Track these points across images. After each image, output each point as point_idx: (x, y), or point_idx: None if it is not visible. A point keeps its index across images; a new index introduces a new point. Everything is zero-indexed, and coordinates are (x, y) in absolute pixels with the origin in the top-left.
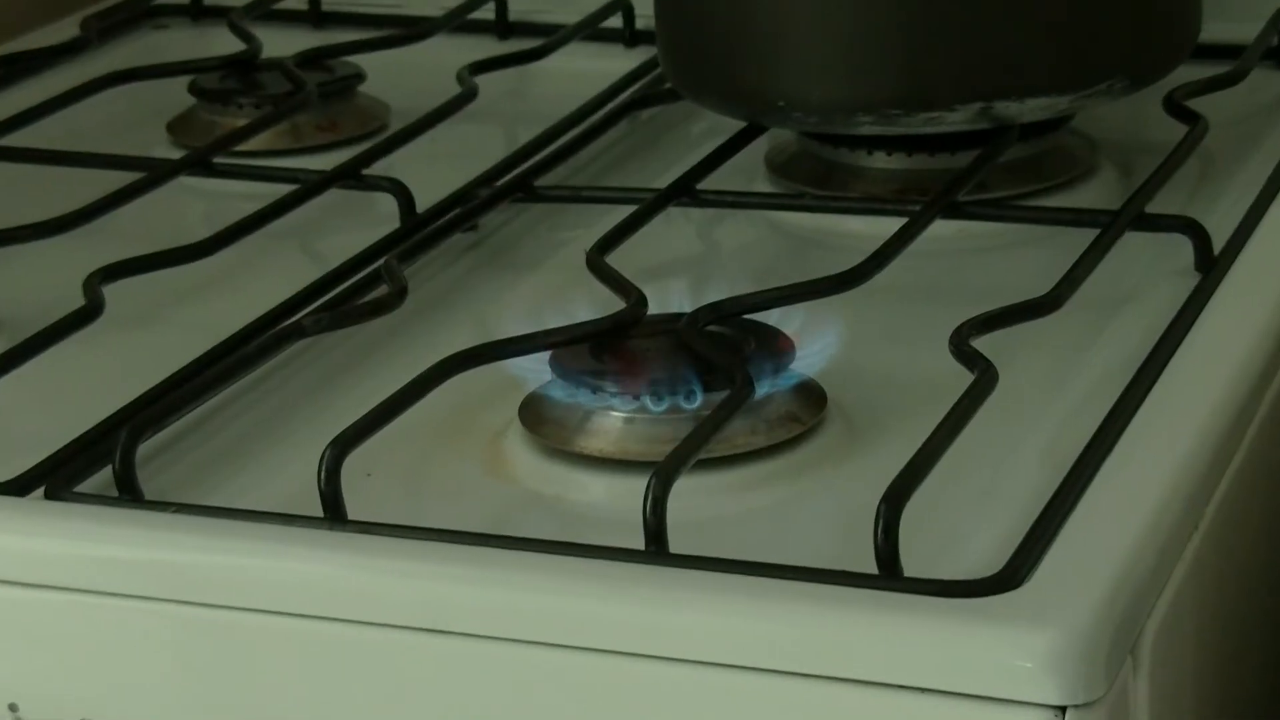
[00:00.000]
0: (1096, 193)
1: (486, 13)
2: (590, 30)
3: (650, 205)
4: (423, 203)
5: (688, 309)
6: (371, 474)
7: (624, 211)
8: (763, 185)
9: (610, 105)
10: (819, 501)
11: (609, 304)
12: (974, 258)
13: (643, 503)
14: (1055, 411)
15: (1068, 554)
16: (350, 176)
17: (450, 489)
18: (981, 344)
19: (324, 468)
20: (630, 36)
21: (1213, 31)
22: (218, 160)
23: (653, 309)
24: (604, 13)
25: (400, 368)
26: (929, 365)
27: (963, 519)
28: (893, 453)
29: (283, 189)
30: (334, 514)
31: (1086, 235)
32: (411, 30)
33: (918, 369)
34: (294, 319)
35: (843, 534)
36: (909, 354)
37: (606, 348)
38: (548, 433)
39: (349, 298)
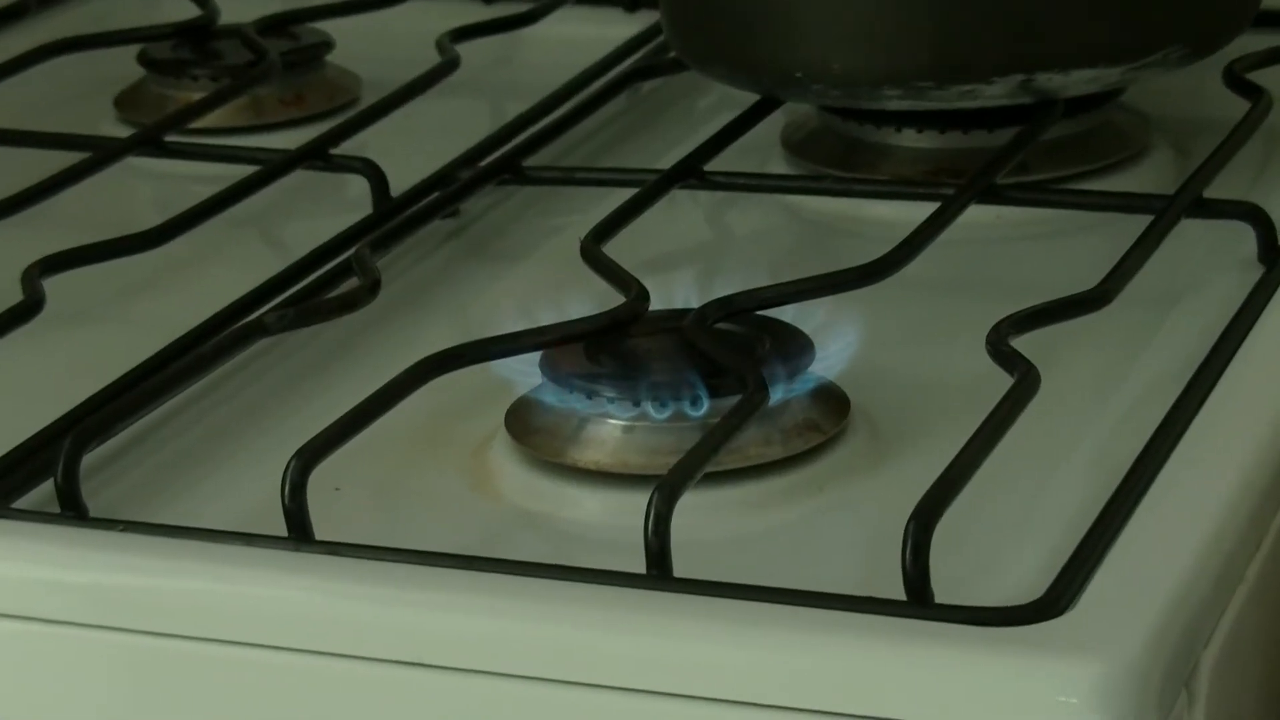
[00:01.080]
0: (1149, 175)
1: None
2: None
3: (652, 188)
4: (398, 186)
5: (694, 304)
6: (341, 489)
7: (623, 195)
8: (778, 166)
9: (608, 76)
10: (840, 520)
11: (606, 299)
12: (1013, 247)
13: (644, 521)
14: (1103, 419)
15: (1116, 577)
16: (317, 156)
17: (429, 506)
18: (1022, 343)
19: (288, 482)
20: (631, 0)
21: None
22: (170, 139)
23: (655, 304)
24: None
25: (373, 370)
26: (963, 367)
27: (1000, 539)
28: (923, 465)
29: (242, 170)
30: (299, 533)
31: (1139, 222)
32: None
33: (951, 371)
34: (255, 316)
35: (867, 556)
36: (941, 354)
37: (603, 348)
38: (537, 443)
39: (316, 292)
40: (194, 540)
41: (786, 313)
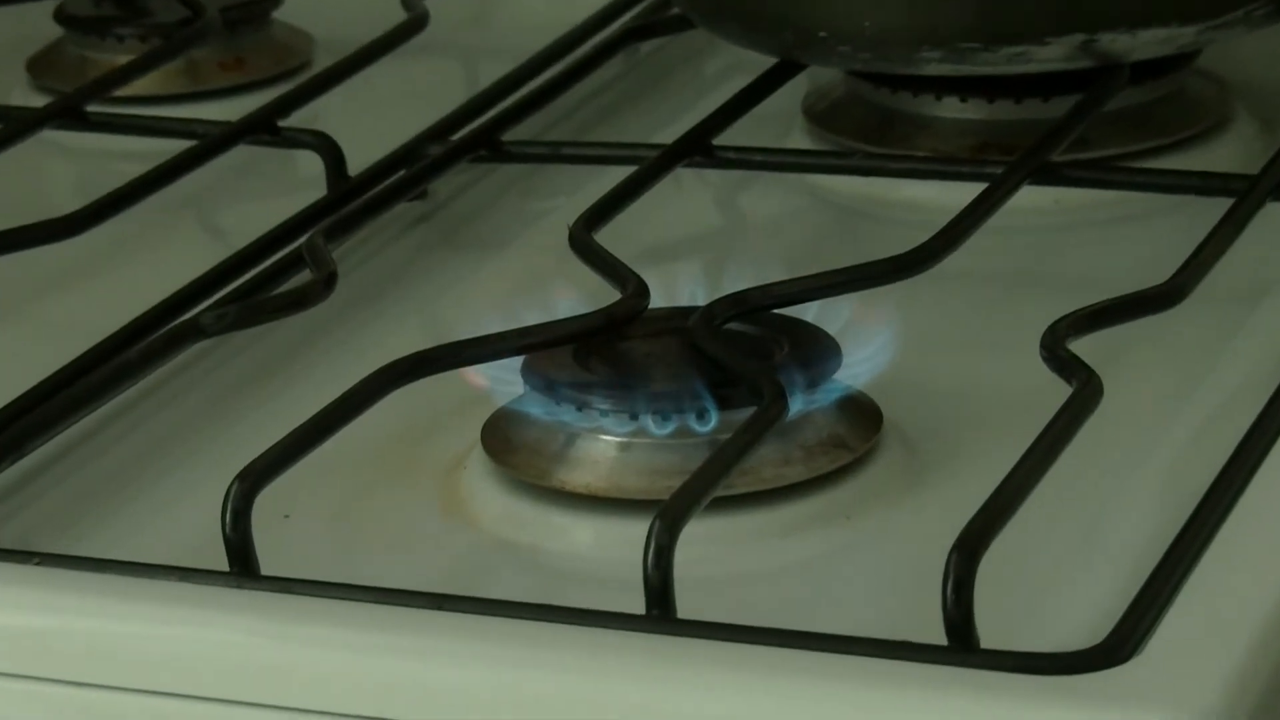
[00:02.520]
0: (1229, 151)
1: None
2: None
3: (653, 166)
4: (356, 163)
5: (701, 302)
6: (291, 516)
7: (618, 174)
8: (799, 140)
9: (600, 36)
10: (870, 552)
11: (599, 295)
12: (1072, 235)
13: (643, 554)
14: (1175, 435)
15: (1190, 618)
16: (263, 129)
17: (393, 535)
18: (1081, 347)
19: (230, 508)
20: None
21: None
22: (92, 109)
23: (655, 301)
24: None
25: (328, 377)
26: (1013, 375)
27: (1056, 574)
28: (966, 488)
29: (176, 145)
30: (242, 567)
31: (1217, 206)
32: None
33: (999, 380)
34: (190, 315)
35: (902, 594)
36: (988, 360)
37: (596, 352)
38: (519, 463)
39: (261, 286)
40: (119, 575)
41: (808, 311)
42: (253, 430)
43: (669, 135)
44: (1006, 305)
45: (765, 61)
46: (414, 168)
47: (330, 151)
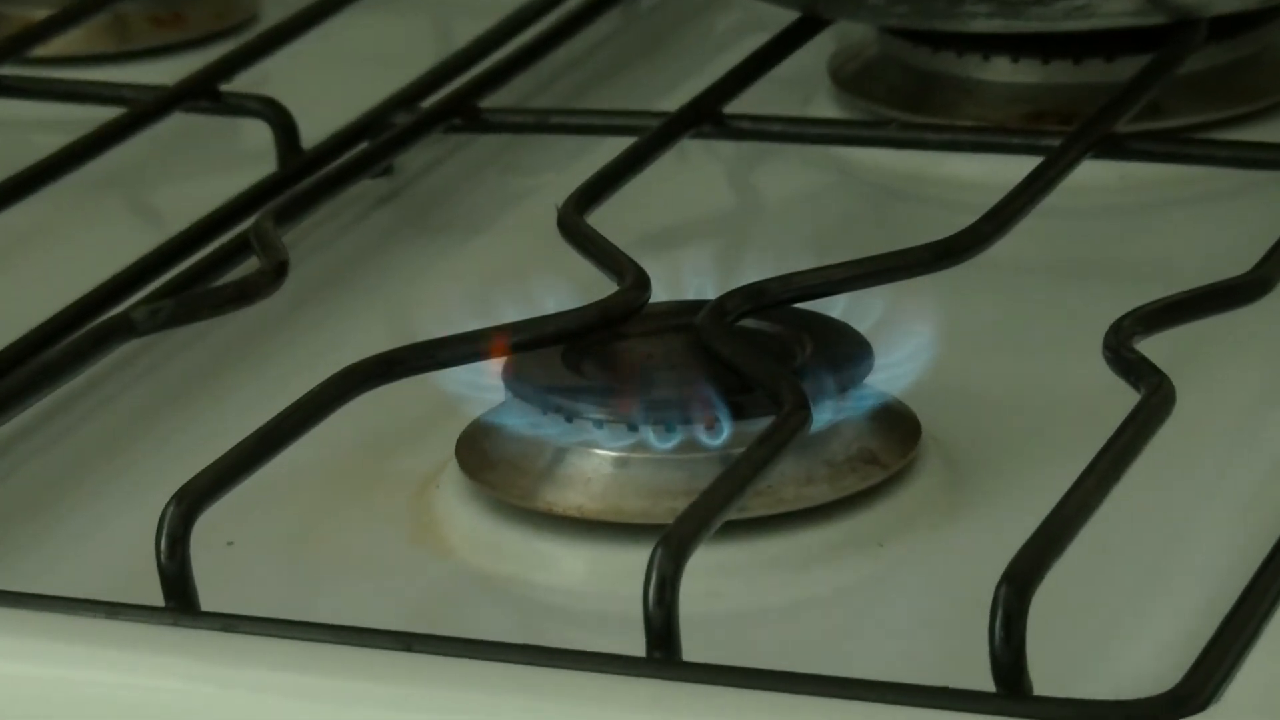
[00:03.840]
0: None
1: None
2: None
3: (655, 138)
4: (311, 134)
5: (711, 295)
6: (236, 542)
7: (614, 147)
8: (824, 107)
9: None
10: (906, 585)
11: (592, 287)
12: (1140, 217)
13: (643, 587)
14: (1259, 449)
15: (1275, 661)
16: (203, 95)
17: (355, 565)
18: (1150, 347)
19: (165, 533)
20: None
21: None
22: (4, 71)
23: (658, 295)
24: None
25: (279, 382)
26: (1072, 379)
27: (1120, 610)
28: (1017, 511)
29: (103, 114)
30: (180, 602)
31: None
32: None
33: (1055, 385)
34: (120, 309)
35: (943, 632)
36: (1042, 362)
37: (588, 353)
38: (501, 481)
39: (202, 277)
40: (39, 612)
41: (835, 306)
42: (192, 443)
43: (673, 102)
44: (1064, 298)
45: (785, 16)
46: (377, 139)
47: (280, 120)
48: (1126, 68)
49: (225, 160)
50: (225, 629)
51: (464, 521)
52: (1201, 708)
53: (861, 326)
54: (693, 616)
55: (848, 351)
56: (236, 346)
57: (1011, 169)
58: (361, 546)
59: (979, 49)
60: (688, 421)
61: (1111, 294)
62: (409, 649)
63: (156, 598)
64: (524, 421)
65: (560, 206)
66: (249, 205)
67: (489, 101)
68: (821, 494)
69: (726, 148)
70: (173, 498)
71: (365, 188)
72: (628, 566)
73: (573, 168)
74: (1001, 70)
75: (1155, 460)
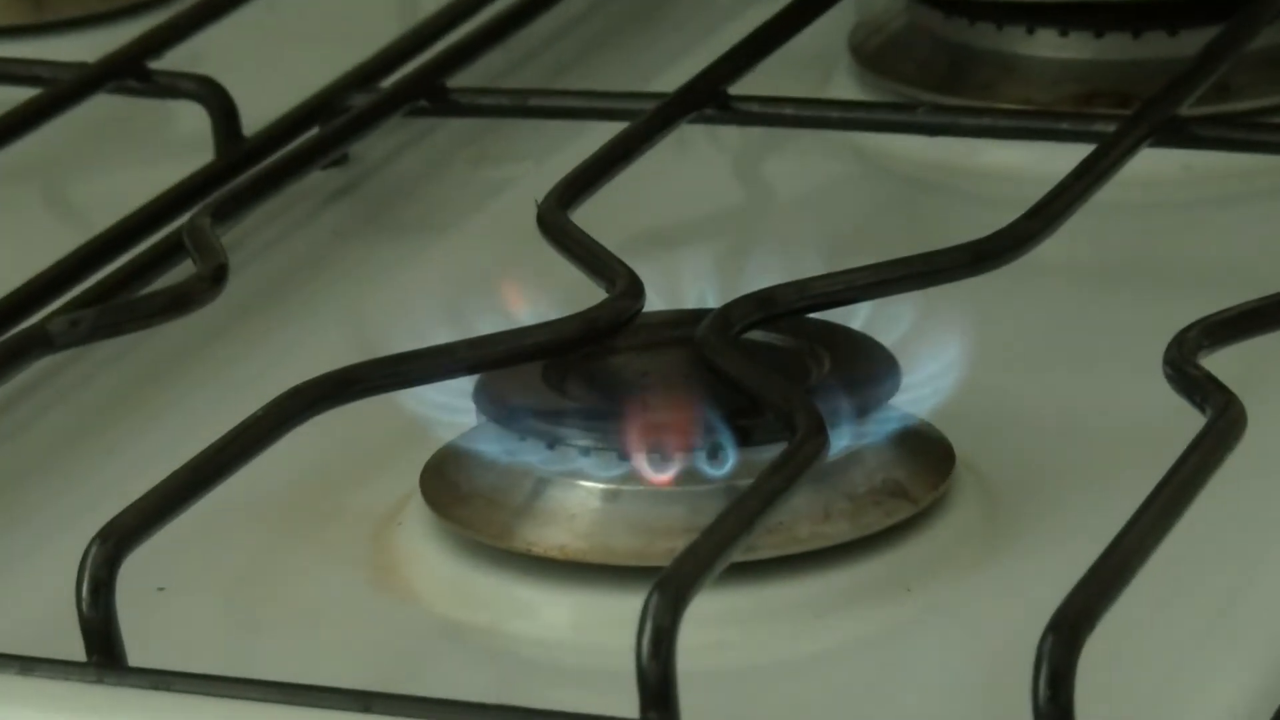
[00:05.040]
0: None
1: None
2: None
3: (649, 123)
4: (254, 118)
5: (713, 303)
6: (168, 588)
7: (603, 133)
8: (843, 87)
9: None
10: (938, 634)
11: (577, 294)
12: (1207, 213)
13: (636, 639)
14: None
15: None
16: (130, 74)
17: (305, 614)
18: (1217, 363)
19: (88, 577)
20: None
21: None
22: None
23: (652, 303)
24: None
25: (218, 404)
26: (1127, 399)
27: (1181, 664)
28: (1064, 550)
29: (14, 95)
30: (105, 655)
31: None
32: None
33: (1108, 406)
34: (34, 320)
35: (979, 689)
36: (1093, 380)
37: (573, 371)
38: (473, 518)
39: (129, 282)
40: None
41: (856, 316)
42: (118, 475)
43: (670, 82)
44: (1119, 307)
45: None
46: (330, 124)
47: (219, 103)
48: (1192, 42)
49: (155, 149)
50: (156, 687)
51: (430, 563)
52: None
53: (886, 339)
54: (692, 672)
55: (870, 368)
56: (169, 363)
57: (1059, 158)
58: (312, 592)
59: (1022, 20)
60: (687, 449)
61: (1174, 302)
62: (367, 710)
63: (78, 651)
64: (499, 448)
65: (540, 202)
66: (183, 200)
67: (457, 80)
68: (840, 532)
69: (731, 134)
70: (96, 537)
71: (316, 180)
72: (618, 615)
73: (555, 157)
74: (1048, 44)
75: (1222, 492)
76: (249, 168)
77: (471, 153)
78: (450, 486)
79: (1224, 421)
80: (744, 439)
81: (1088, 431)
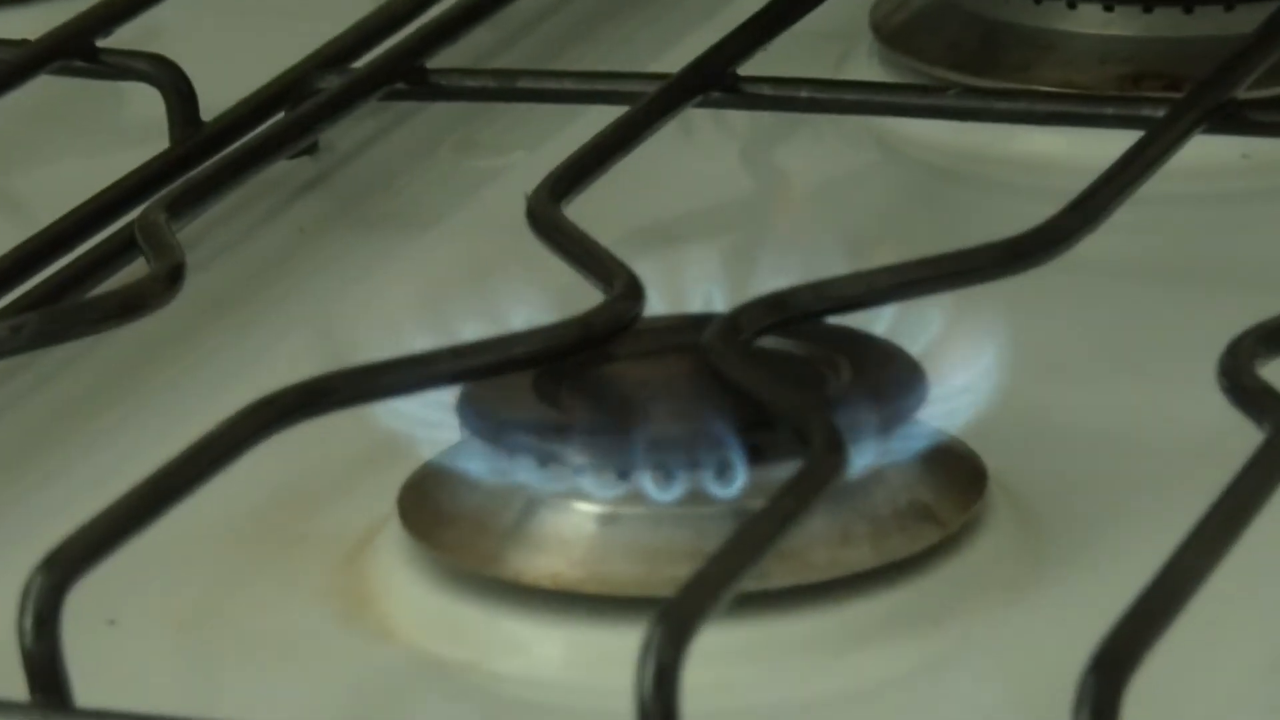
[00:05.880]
0: None
1: None
2: None
3: (650, 108)
4: (213, 102)
5: (721, 307)
6: (119, 620)
7: (599, 119)
8: (864, 68)
9: None
10: (969, 671)
11: (571, 297)
12: (1266, 206)
13: (636, 676)
14: None
15: None
16: (76, 53)
17: (269, 650)
18: (1277, 373)
19: (31, 610)
20: None
21: None
22: None
23: (654, 306)
24: None
25: (175, 417)
26: (1177, 413)
27: (1234, 702)
28: (1106, 579)
29: None
30: (49, 694)
31: None
32: None
33: (1155, 421)
34: None
35: None
36: (1138, 391)
37: (567, 380)
38: (455, 543)
39: (76, 282)
40: None
41: (879, 320)
42: (64, 496)
43: (673, 62)
44: (1168, 310)
45: None
46: (298, 109)
47: (174, 85)
48: (1249, 17)
49: (105, 136)
50: None
51: (408, 594)
52: None
53: (912, 346)
54: (698, 713)
55: (894, 378)
56: (120, 372)
57: (1103, 146)
58: (277, 626)
59: None
60: (693, 466)
61: (1229, 304)
62: None
63: (20, 689)
64: (485, 467)
65: (531, 195)
66: (135, 193)
67: (439, 61)
68: (861, 559)
69: (741, 119)
70: (39, 565)
71: (283, 170)
72: (616, 650)
73: (546, 145)
74: (1092, 20)
75: None
76: (208, 157)
77: (454, 140)
78: (431, 509)
79: None
80: (755, 456)
81: (1133, 448)
